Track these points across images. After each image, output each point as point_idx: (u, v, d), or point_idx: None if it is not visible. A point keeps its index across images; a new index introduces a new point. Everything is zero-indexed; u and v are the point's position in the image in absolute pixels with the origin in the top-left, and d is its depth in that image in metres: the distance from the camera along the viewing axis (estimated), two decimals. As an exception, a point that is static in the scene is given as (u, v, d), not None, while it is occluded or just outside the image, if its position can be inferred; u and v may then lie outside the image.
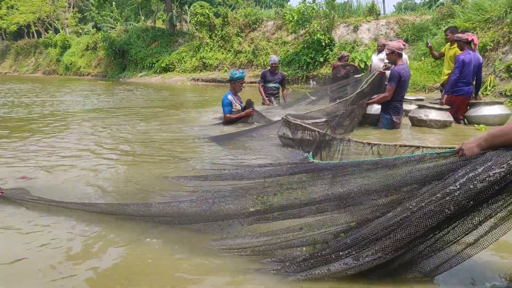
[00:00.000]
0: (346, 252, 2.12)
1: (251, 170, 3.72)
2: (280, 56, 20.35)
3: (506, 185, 1.81)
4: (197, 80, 22.12)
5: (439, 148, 2.37)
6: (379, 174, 2.43)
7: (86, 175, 4.09)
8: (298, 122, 5.35)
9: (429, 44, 8.33)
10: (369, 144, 4.07)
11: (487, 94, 11.73)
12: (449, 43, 7.79)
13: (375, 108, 6.79)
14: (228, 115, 6.84)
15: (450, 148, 2.18)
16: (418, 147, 2.95)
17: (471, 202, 1.85)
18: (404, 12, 22.95)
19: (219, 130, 6.59)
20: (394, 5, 56.42)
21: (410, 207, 2.00)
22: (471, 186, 1.82)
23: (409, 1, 55.53)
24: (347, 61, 9.87)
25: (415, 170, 2.21)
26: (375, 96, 6.59)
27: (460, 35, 6.90)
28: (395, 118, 6.48)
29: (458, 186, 1.85)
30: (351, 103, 6.71)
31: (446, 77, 7.66)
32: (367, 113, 6.83)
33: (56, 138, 6.17)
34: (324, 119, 5.76)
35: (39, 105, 11.16)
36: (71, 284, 2.15)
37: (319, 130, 5.23)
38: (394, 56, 6.21)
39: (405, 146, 3.26)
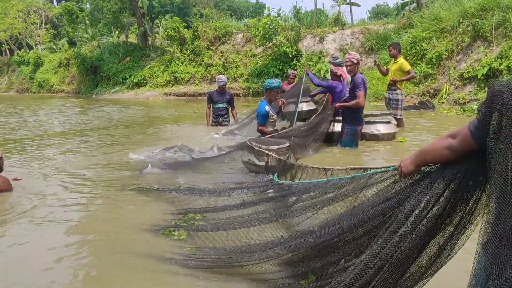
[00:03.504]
0: None
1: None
2: (250, 69, 20.69)
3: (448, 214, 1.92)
4: (169, 94, 22.27)
5: (384, 168, 2.45)
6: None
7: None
8: (262, 149, 5.30)
9: (377, 62, 8.52)
10: (324, 169, 4.20)
11: (443, 102, 12.16)
12: (393, 59, 8.13)
13: (338, 126, 6.90)
14: (262, 127, 6.46)
15: (391, 166, 2.27)
16: (366, 168, 3.09)
17: (427, 238, 1.96)
18: (370, 20, 23.56)
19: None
20: (368, 10, 57.60)
21: (377, 251, 2.04)
22: (422, 227, 1.91)
23: (383, 5, 56.60)
24: (293, 79, 9.85)
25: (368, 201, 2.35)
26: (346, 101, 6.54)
27: (332, 67, 7.44)
28: (358, 128, 6.51)
29: (410, 227, 1.93)
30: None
31: None
32: (330, 131, 6.91)
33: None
34: (287, 144, 5.69)
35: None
36: None
37: (281, 158, 5.24)
38: (357, 66, 6.31)
39: (355, 168, 3.40)
